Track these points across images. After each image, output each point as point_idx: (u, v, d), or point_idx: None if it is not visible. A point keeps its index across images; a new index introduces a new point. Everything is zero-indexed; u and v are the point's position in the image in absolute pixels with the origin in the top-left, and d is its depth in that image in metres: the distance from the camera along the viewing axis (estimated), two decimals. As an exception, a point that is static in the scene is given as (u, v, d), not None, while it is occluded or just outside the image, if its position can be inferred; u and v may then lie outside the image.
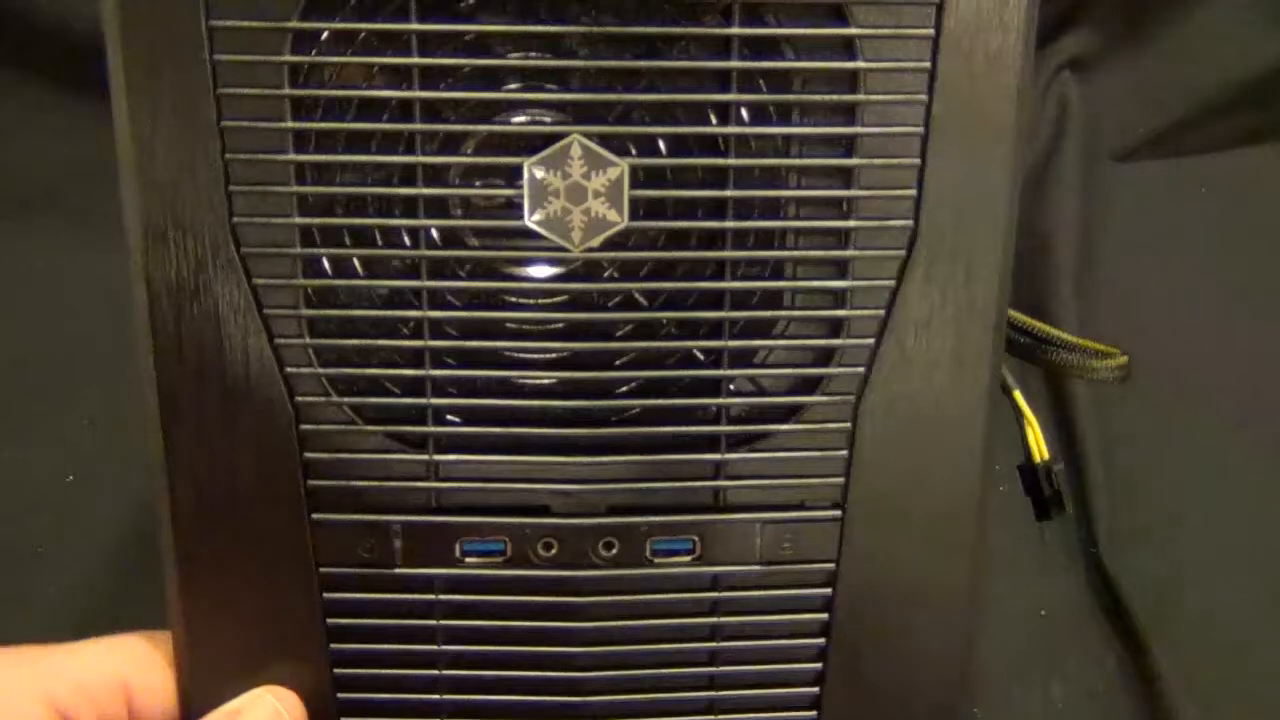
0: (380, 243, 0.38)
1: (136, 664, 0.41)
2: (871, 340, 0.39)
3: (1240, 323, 0.80)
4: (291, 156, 0.37)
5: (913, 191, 0.37)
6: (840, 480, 0.40)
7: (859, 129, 0.37)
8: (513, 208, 0.37)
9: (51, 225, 0.78)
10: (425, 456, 0.39)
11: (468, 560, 0.40)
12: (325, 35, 0.36)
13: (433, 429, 0.39)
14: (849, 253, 0.38)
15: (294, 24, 0.36)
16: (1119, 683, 0.68)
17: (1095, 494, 0.73)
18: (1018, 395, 0.45)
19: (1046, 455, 0.46)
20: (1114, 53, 0.81)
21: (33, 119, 0.79)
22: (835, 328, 0.39)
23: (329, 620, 0.40)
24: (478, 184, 0.38)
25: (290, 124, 0.36)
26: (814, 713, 0.42)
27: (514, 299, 0.39)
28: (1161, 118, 0.82)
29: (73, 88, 0.76)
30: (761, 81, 0.37)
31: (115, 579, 0.68)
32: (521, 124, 0.38)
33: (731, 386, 0.39)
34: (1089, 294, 0.79)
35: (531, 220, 0.37)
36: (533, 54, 0.37)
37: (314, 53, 0.36)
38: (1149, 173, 0.82)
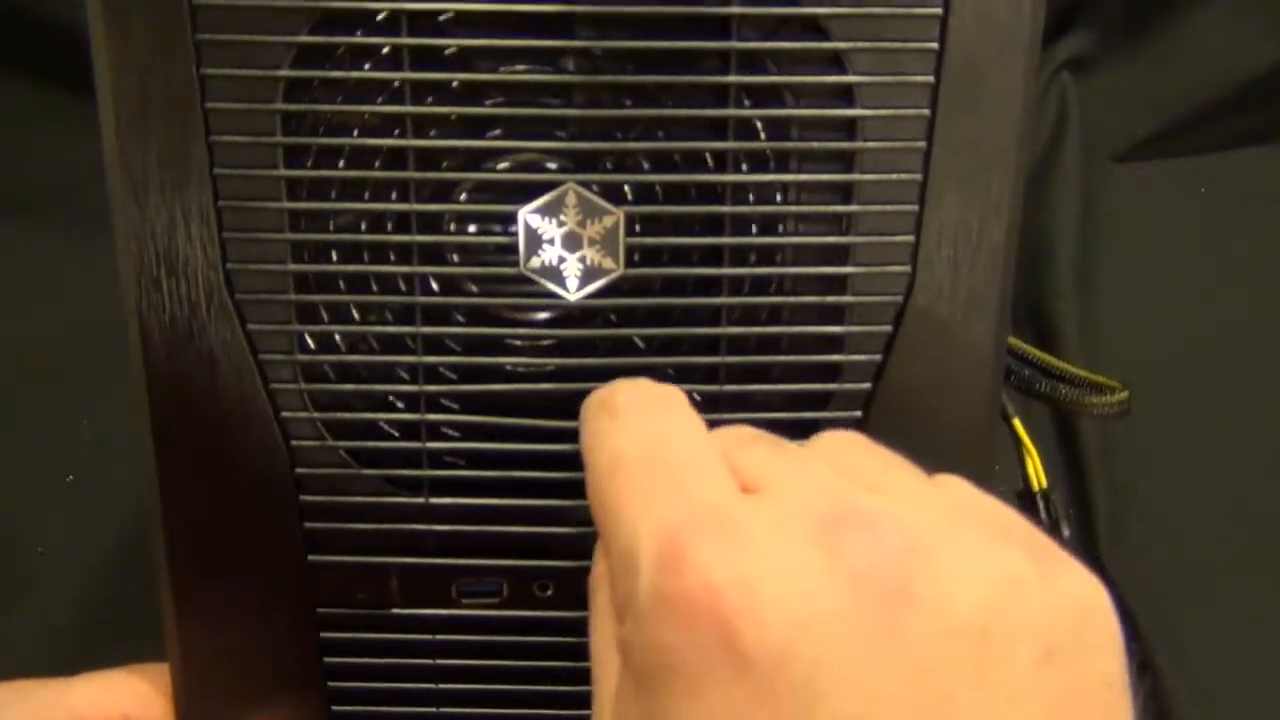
0: (375, 288, 0.38)
1: (135, 699, 0.41)
2: (868, 385, 0.38)
3: (1240, 323, 0.79)
4: (284, 204, 0.36)
5: (910, 238, 0.37)
6: None
7: (857, 175, 0.37)
8: (509, 253, 0.37)
9: (52, 225, 0.78)
10: (421, 500, 0.39)
11: (465, 601, 0.40)
12: (317, 83, 0.36)
13: (428, 472, 0.39)
14: (846, 299, 0.38)
15: (285, 72, 0.35)
16: (1118, 683, 0.68)
17: (1096, 497, 0.73)
18: (1017, 423, 0.45)
19: (1045, 484, 0.46)
20: (1114, 53, 0.80)
21: (33, 119, 0.79)
22: (831, 373, 0.39)
23: (326, 659, 0.41)
24: (472, 230, 0.38)
25: (283, 172, 0.36)
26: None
27: (510, 343, 0.39)
28: (1161, 118, 0.81)
29: (73, 88, 0.76)
30: (760, 128, 0.37)
31: (115, 579, 0.68)
32: (516, 171, 0.37)
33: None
34: (1089, 294, 0.79)
35: (527, 268, 0.37)
36: (528, 102, 0.37)
37: (306, 100, 0.36)
38: (1149, 173, 0.82)
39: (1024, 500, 0.47)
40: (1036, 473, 0.47)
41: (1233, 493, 0.74)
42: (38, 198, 0.79)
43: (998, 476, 0.42)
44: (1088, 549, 0.72)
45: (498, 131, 0.37)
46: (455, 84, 0.36)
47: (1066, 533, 0.47)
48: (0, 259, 0.78)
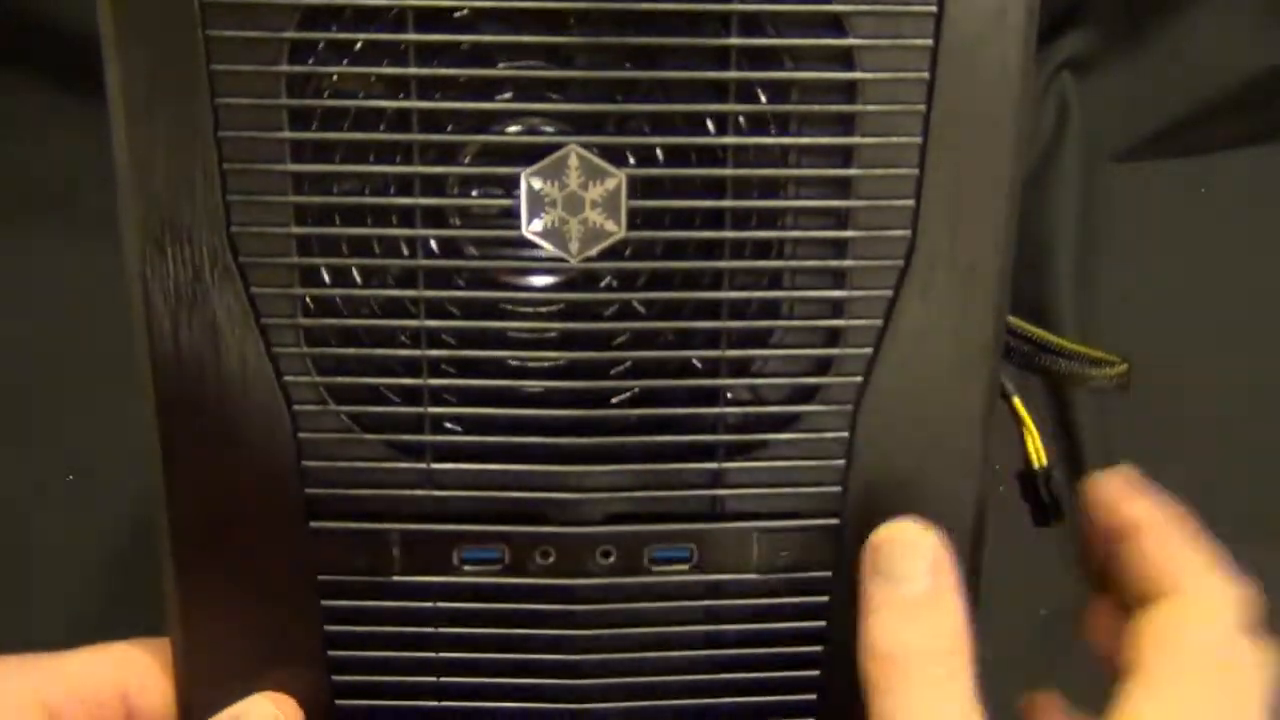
0: (378, 252, 0.38)
1: (134, 671, 0.41)
2: (869, 350, 0.39)
3: (1240, 323, 0.80)
4: (289, 166, 0.37)
5: (911, 202, 0.37)
6: (838, 489, 0.40)
7: (857, 139, 0.37)
8: (511, 216, 0.37)
9: (51, 225, 0.78)
10: (423, 465, 0.39)
11: (466, 568, 0.40)
12: (322, 45, 0.36)
13: (430, 438, 0.39)
14: (847, 263, 0.38)
15: (291, 34, 0.36)
16: (1119, 683, 0.68)
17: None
18: (1016, 401, 0.45)
19: (1045, 462, 0.46)
20: (1114, 53, 0.81)
21: (33, 119, 0.79)
22: (833, 337, 0.39)
23: (327, 627, 0.40)
24: (475, 194, 0.38)
25: (288, 134, 0.36)
26: (811, 720, 0.42)
27: (512, 308, 0.39)
28: (1161, 118, 0.81)
29: (73, 88, 0.76)
30: (760, 91, 0.37)
31: (115, 579, 0.68)
32: (518, 134, 0.38)
33: (729, 395, 0.39)
34: (1089, 294, 0.79)
35: (529, 230, 0.37)
36: (530, 64, 0.37)
37: (311, 63, 0.36)
38: (1149, 173, 0.82)
39: (1024, 479, 0.47)
40: (1036, 450, 0.46)
41: (1234, 492, 0.74)
42: (38, 198, 0.79)
43: (996, 477, 0.42)
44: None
45: (502, 95, 0.37)
46: (462, 46, 0.36)
47: (1068, 514, 0.47)
48: (0, 259, 0.78)
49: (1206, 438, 0.76)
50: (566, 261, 0.37)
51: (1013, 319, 0.44)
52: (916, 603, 0.37)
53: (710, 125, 0.38)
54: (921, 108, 0.37)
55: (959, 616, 0.37)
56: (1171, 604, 0.39)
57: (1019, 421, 0.46)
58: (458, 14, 0.36)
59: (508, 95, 0.37)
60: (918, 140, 0.37)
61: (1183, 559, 0.40)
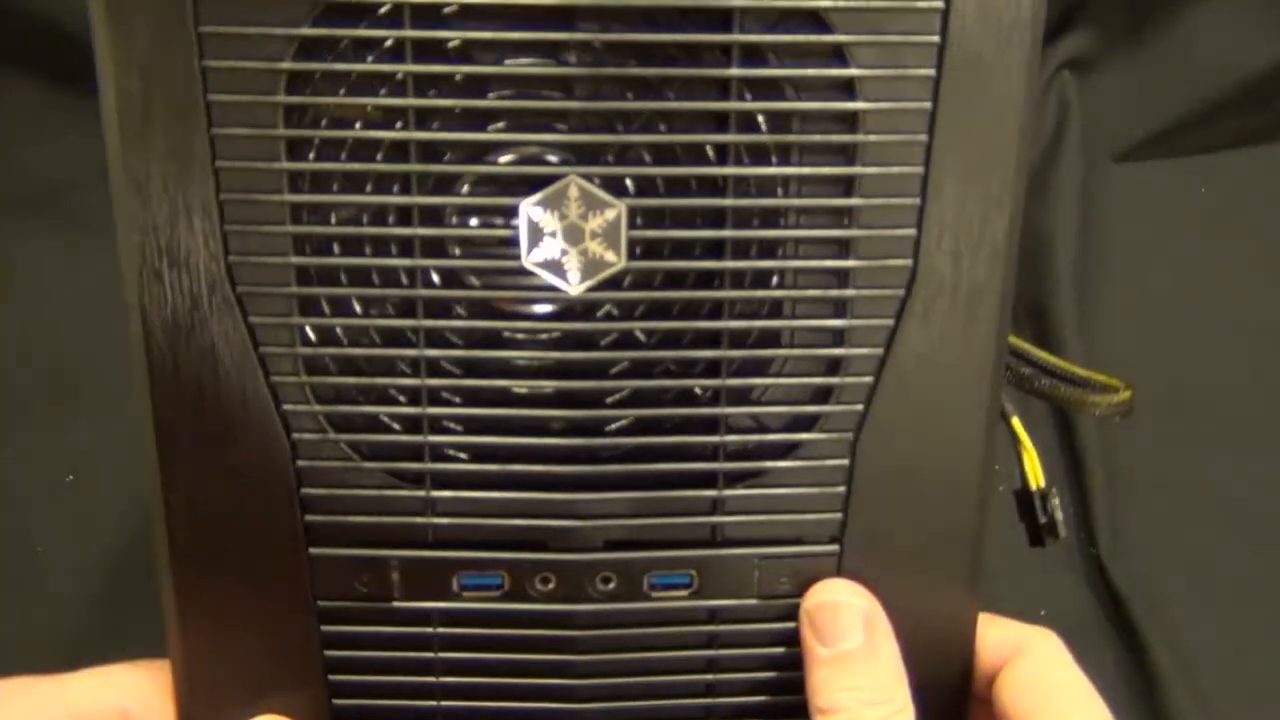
0: (377, 281, 0.38)
1: (135, 694, 0.41)
2: (870, 378, 0.39)
3: (1241, 323, 0.80)
4: (286, 197, 0.36)
5: (912, 231, 0.37)
6: (838, 515, 0.40)
7: (859, 169, 0.37)
8: (511, 246, 0.37)
9: (51, 225, 0.78)
10: (423, 493, 0.39)
11: (465, 594, 0.40)
12: (319, 75, 0.36)
13: (430, 466, 0.39)
14: (848, 292, 0.38)
15: (287, 65, 0.35)
16: (1118, 681, 0.68)
17: (1095, 494, 0.73)
18: (1015, 422, 0.45)
19: (1042, 483, 0.46)
20: (1114, 53, 0.81)
21: (33, 119, 0.79)
22: (833, 366, 0.39)
23: (327, 652, 0.40)
24: (474, 223, 0.38)
25: (285, 164, 0.36)
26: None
27: (511, 336, 0.39)
28: (1161, 118, 0.81)
29: (73, 88, 0.76)
30: (761, 120, 0.37)
31: (115, 579, 0.69)
32: (518, 164, 0.37)
33: (729, 423, 0.39)
34: (1089, 294, 0.79)
35: (529, 261, 0.37)
36: (530, 94, 0.37)
37: (308, 93, 0.36)
38: (1149, 173, 0.82)
39: (1021, 499, 0.47)
40: (1034, 471, 0.46)
41: (1233, 493, 0.75)
42: (38, 198, 0.79)
43: (996, 476, 0.42)
44: (1087, 548, 0.72)
45: (500, 124, 0.37)
46: (458, 77, 0.36)
47: (1064, 533, 0.47)
48: (0, 259, 0.78)
49: (1205, 436, 0.76)
50: (566, 292, 0.37)
51: (1015, 340, 0.44)
52: (853, 658, 0.39)
53: (711, 154, 0.37)
54: (924, 138, 0.37)
55: (894, 665, 0.40)
56: (1025, 659, 0.42)
57: (1017, 442, 0.46)
58: (454, 44, 0.36)
59: (502, 125, 0.37)
60: (919, 170, 0.37)
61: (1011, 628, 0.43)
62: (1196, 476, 0.75)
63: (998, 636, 0.43)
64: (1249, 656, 0.69)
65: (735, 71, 0.36)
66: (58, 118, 0.78)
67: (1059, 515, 0.46)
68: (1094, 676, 0.68)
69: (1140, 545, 0.72)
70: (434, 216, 0.38)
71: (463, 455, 0.39)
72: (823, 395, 0.39)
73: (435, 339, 0.38)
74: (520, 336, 0.39)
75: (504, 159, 0.38)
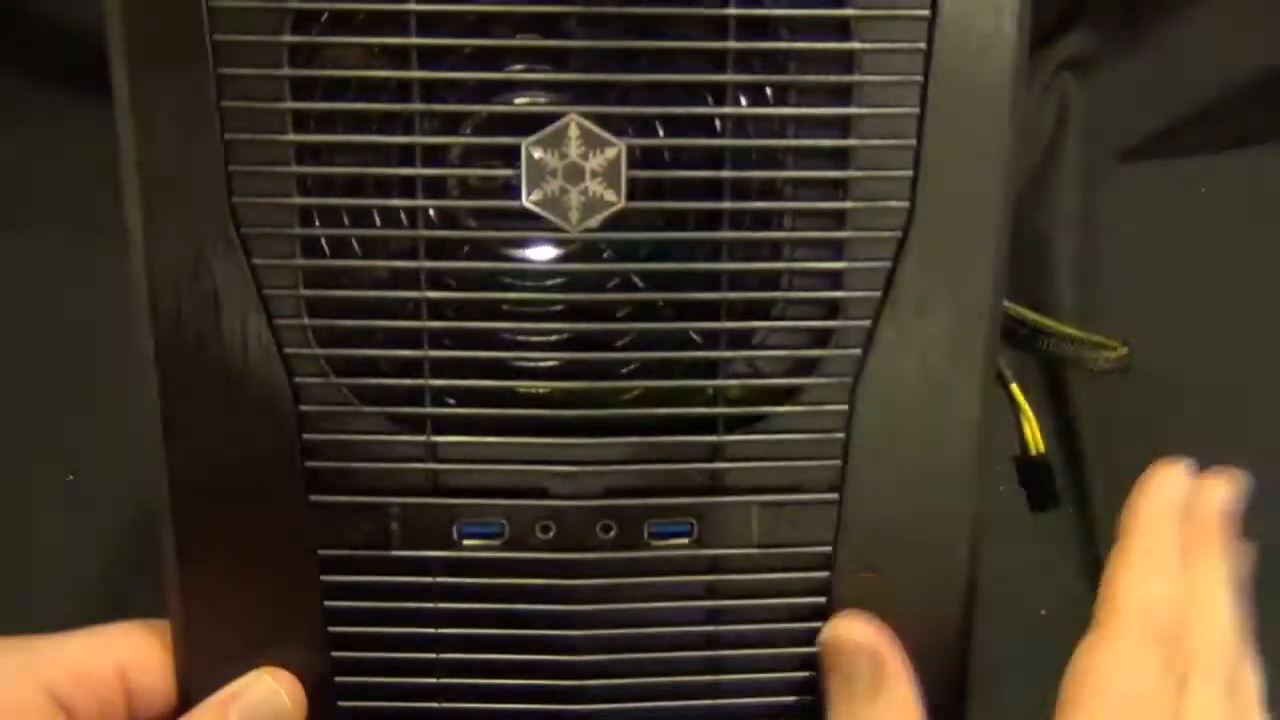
0: (379, 223, 0.38)
1: (134, 651, 0.41)
2: (868, 322, 0.39)
3: (1240, 322, 0.80)
4: (290, 137, 0.37)
5: (909, 172, 0.38)
6: (837, 463, 0.40)
7: (855, 110, 0.37)
8: (511, 189, 0.37)
9: (51, 225, 0.79)
10: (423, 438, 0.39)
11: (465, 542, 0.40)
12: (325, 16, 0.36)
13: (430, 410, 0.39)
14: (845, 234, 0.38)
15: (293, 4, 0.36)
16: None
17: (1095, 494, 0.73)
18: (1014, 388, 0.45)
19: (1042, 448, 0.46)
20: (1114, 53, 0.81)
21: (35, 119, 0.79)
22: (832, 309, 0.39)
23: (327, 603, 0.40)
24: (475, 165, 0.38)
25: (289, 104, 0.37)
26: (811, 696, 0.42)
27: (512, 280, 0.39)
28: (1161, 118, 0.81)
29: (75, 88, 0.76)
30: (757, 63, 0.37)
31: (115, 579, 0.68)
32: (519, 105, 0.38)
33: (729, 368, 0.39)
34: (1089, 293, 0.79)
35: (529, 200, 0.37)
36: (530, 35, 0.37)
37: (313, 33, 0.36)
38: (1149, 173, 0.82)
39: (1021, 465, 0.47)
40: (1034, 436, 0.46)
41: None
42: (38, 198, 0.80)
43: (996, 477, 0.42)
44: (1087, 547, 0.72)
45: (503, 66, 0.37)
46: (464, 17, 0.37)
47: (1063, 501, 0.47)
48: (1, 259, 0.78)
49: (1205, 436, 0.76)
50: (566, 231, 0.37)
51: (1011, 305, 0.44)
52: (869, 693, 0.40)
53: (709, 97, 0.38)
54: (919, 78, 0.37)
55: (907, 691, 0.40)
56: (1093, 640, 0.41)
57: (1016, 408, 0.46)
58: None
59: (508, 65, 0.37)
60: (915, 111, 0.37)
61: (1125, 586, 0.42)
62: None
63: None
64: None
65: (733, 10, 0.36)
66: (58, 118, 0.78)
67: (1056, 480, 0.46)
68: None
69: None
70: (436, 157, 0.38)
71: (463, 400, 0.39)
72: (822, 339, 0.39)
73: (436, 282, 0.38)
74: (520, 281, 0.39)
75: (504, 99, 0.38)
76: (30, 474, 0.71)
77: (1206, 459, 0.74)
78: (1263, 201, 0.82)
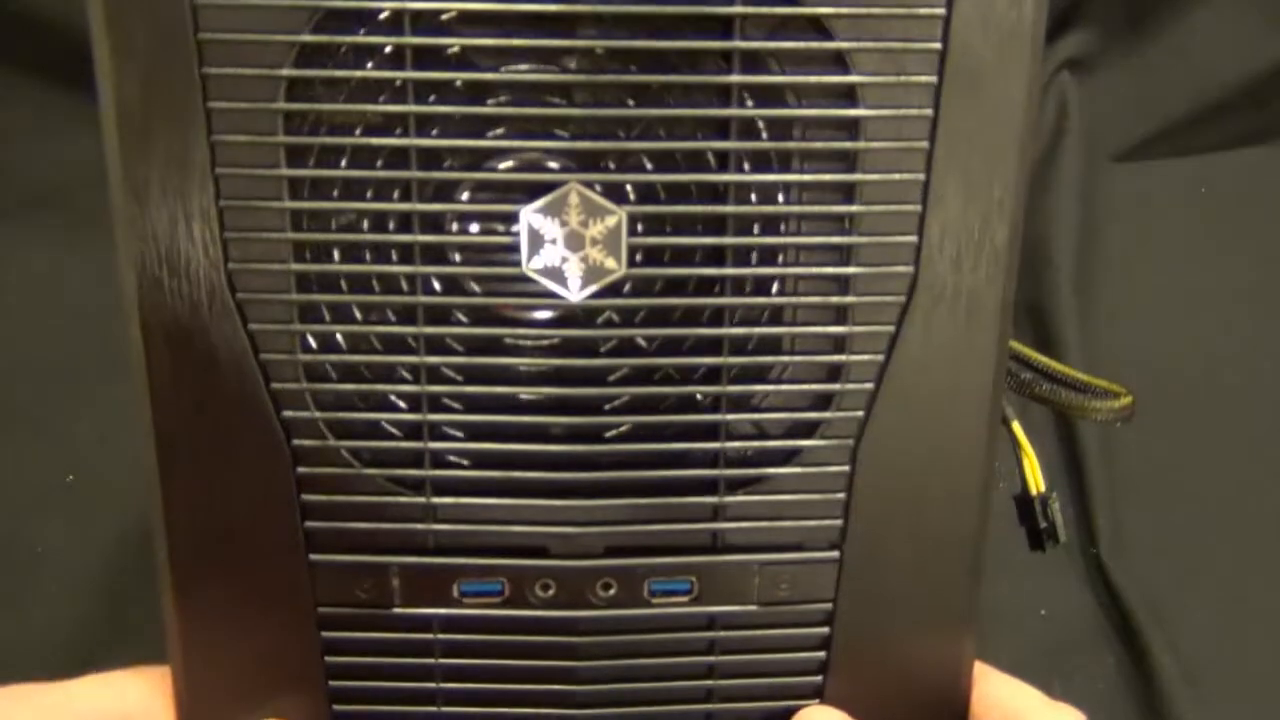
0: (377, 288, 0.38)
1: (137, 700, 0.41)
2: (871, 385, 0.38)
3: (1240, 323, 0.80)
4: (286, 204, 0.36)
5: (913, 238, 0.37)
6: (839, 522, 0.40)
7: (860, 176, 0.37)
8: (511, 252, 0.37)
9: (51, 225, 0.78)
10: (423, 499, 0.39)
11: (466, 600, 0.40)
12: (319, 82, 0.36)
13: (430, 473, 0.39)
14: (849, 299, 0.38)
15: (287, 72, 0.35)
16: (1119, 682, 0.68)
17: (1095, 494, 0.73)
18: (1016, 426, 0.45)
19: (1042, 488, 0.46)
20: (1114, 53, 0.81)
21: (33, 119, 0.79)
22: (834, 372, 0.39)
23: (328, 659, 0.40)
24: (475, 230, 0.38)
25: (285, 171, 0.36)
26: (812, 751, 0.42)
27: (512, 343, 0.39)
28: (1161, 118, 0.81)
29: (74, 88, 0.76)
30: (762, 127, 0.37)
31: (115, 579, 0.69)
32: (518, 170, 0.37)
33: (730, 429, 0.39)
34: (1089, 294, 0.79)
35: (529, 268, 0.37)
36: (531, 101, 0.37)
37: (308, 99, 0.36)
38: (1149, 173, 0.82)
39: (1022, 504, 0.47)
40: (1034, 476, 0.46)
41: (1233, 493, 0.75)
42: (38, 198, 0.79)
43: (996, 473, 0.42)
44: (1087, 549, 0.72)
45: (500, 130, 0.37)
46: (458, 83, 0.36)
47: (1064, 538, 0.47)
48: (0, 259, 0.78)
49: (1205, 436, 0.76)
50: (566, 300, 0.37)
51: (1015, 345, 0.44)
52: None
53: (712, 161, 0.37)
54: (925, 144, 0.36)
55: None
56: None
57: (1017, 446, 0.46)
58: (454, 50, 0.36)
59: (507, 132, 0.37)
60: (921, 177, 0.37)
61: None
62: (1196, 476, 0.75)
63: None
64: (1249, 656, 0.69)
65: (736, 78, 0.36)
66: (58, 118, 0.78)
67: (1059, 519, 0.46)
68: (1094, 677, 0.69)
69: (1140, 545, 0.72)
70: (434, 223, 0.37)
71: (463, 461, 0.39)
72: (824, 401, 0.39)
73: (436, 346, 0.38)
74: (521, 343, 0.39)
75: (504, 165, 0.37)
76: (30, 474, 0.71)
77: (1205, 457, 0.75)
78: (1263, 201, 0.81)
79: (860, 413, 0.39)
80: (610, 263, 0.37)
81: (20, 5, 0.75)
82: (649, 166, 0.37)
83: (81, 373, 0.74)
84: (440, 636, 0.40)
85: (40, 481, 0.71)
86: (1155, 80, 0.80)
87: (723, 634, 0.41)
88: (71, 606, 0.68)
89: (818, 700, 0.42)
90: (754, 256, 0.38)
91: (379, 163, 0.37)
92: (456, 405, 0.39)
